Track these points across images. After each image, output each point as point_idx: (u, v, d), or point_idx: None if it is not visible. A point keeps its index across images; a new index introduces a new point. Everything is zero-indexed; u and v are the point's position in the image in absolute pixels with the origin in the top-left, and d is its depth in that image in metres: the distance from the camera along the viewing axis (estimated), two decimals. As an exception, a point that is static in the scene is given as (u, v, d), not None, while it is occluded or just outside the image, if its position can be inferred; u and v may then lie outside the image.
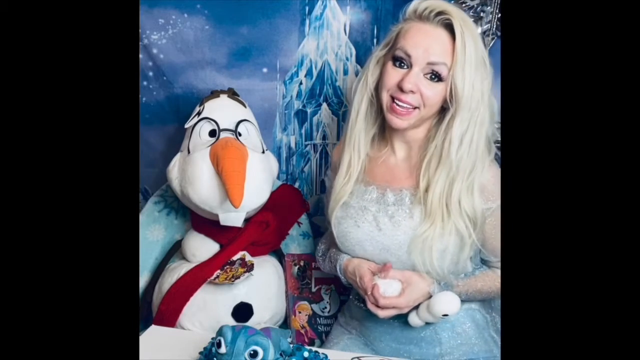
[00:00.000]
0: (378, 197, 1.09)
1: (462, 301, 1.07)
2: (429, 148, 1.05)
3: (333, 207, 1.13)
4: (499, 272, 1.10)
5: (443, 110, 1.04)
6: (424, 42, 1.00)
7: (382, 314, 1.03)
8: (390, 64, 1.03)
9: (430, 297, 1.03)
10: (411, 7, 1.03)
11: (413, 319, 1.05)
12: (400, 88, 1.01)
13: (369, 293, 1.03)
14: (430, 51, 0.99)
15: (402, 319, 1.08)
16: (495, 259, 1.09)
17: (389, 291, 1.02)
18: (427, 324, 1.06)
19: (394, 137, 1.10)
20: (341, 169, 1.12)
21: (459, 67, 0.98)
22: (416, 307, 1.05)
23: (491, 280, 1.09)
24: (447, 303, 1.01)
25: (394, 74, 1.02)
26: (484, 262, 1.12)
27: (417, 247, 1.02)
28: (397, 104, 1.01)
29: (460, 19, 0.99)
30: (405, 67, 1.01)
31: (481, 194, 1.03)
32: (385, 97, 1.04)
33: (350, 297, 1.22)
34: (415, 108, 1.02)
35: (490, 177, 1.03)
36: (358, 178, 1.12)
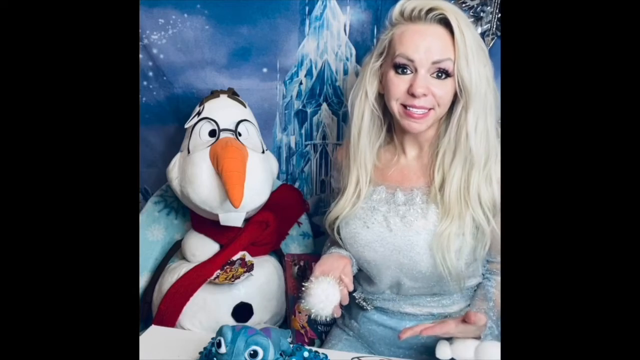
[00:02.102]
0: (387, 197, 1.07)
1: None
2: (441, 143, 1.04)
3: (333, 216, 1.11)
4: (497, 278, 1.09)
5: (452, 105, 1.03)
6: (423, 43, 0.98)
7: (402, 335, 0.96)
8: (392, 73, 1.01)
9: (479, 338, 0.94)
10: (396, 10, 1.01)
11: (444, 351, 0.94)
12: (411, 94, 0.99)
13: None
14: (432, 50, 0.98)
15: (401, 325, 1.07)
16: (498, 259, 1.08)
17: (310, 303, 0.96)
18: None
19: (405, 140, 1.09)
20: (349, 188, 1.10)
21: (462, 58, 0.97)
22: (448, 340, 0.96)
23: (499, 291, 1.06)
24: (497, 353, 0.88)
25: (399, 82, 1.00)
26: (489, 264, 1.10)
27: (438, 247, 1.00)
28: (412, 110, 1.00)
29: (452, 11, 0.98)
30: (409, 72, 1.00)
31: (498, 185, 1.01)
32: (395, 107, 1.02)
33: (353, 294, 1.21)
34: (430, 109, 1.00)
35: (499, 172, 1.02)
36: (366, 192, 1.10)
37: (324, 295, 0.95)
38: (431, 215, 1.03)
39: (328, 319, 0.97)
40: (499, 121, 1.05)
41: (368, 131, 1.09)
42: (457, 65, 0.98)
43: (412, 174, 1.09)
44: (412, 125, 1.02)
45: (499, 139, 1.03)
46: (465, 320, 0.92)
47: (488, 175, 1.01)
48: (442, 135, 1.05)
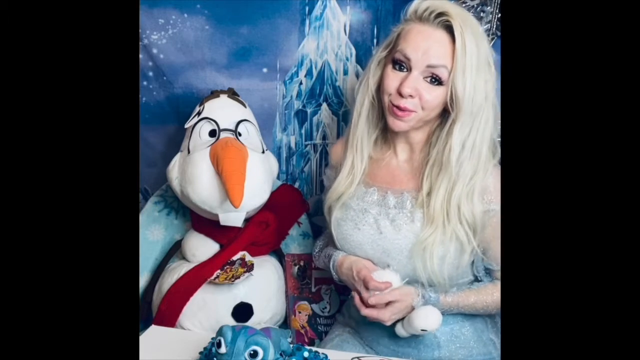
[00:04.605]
0: (379, 199, 1.08)
1: (455, 314, 1.07)
2: (431, 153, 1.04)
3: (330, 201, 1.12)
4: (499, 284, 1.08)
5: (445, 112, 1.03)
6: (423, 45, 0.98)
7: (364, 311, 1.02)
8: (389, 67, 1.02)
9: (413, 309, 1.02)
10: (412, 6, 1.01)
11: (399, 330, 1.05)
12: (399, 93, 0.99)
13: (362, 276, 1.03)
14: (429, 54, 0.97)
15: (397, 324, 1.07)
16: (497, 267, 1.08)
17: (384, 278, 1.02)
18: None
19: (396, 139, 1.10)
20: (343, 170, 1.11)
21: (460, 70, 0.96)
22: (401, 319, 1.05)
23: (487, 294, 1.07)
24: (425, 318, 1.01)
25: (393, 77, 1.01)
26: (488, 271, 1.10)
27: (418, 253, 1.02)
28: (397, 107, 1.00)
29: (461, 20, 0.97)
30: (404, 70, 1.00)
31: (482, 197, 1.02)
32: (385, 100, 1.03)
33: (350, 296, 1.22)
34: (413, 111, 1.01)
35: (492, 179, 1.02)
36: (360, 179, 1.11)
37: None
38: (419, 219, 1.04)
39: None
40: (499, 135, 1.05)
41: (367, 118, 1.09)
42: (452, 75, 0.97)
43: (403, 176, 1.09)
44: (395, 122, 1.02)
45: (495, 155, 1.04)
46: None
47: (470, 191, 1.01)
48: (432, 145, 1.05)
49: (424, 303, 1.03)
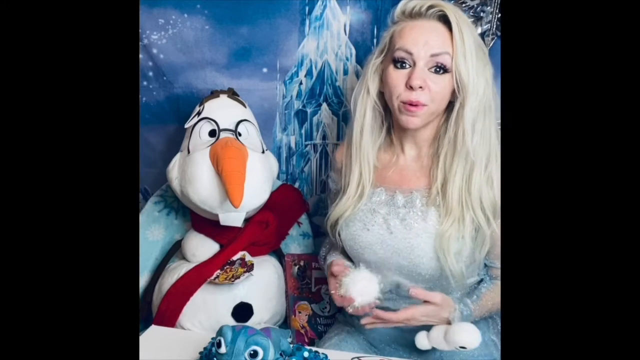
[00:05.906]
0: (387, 199, 1.08)
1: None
2: (442, 143, 1.04)
3: (335, 216, 1.11)
4: (498, 283, 1.09)
5: (450, 105, 1.03)
6: (422, 37, 0.99)
7: (362, 320, 1.02)
8: (391, 67, 1.02)
9: (449, 323, 0.99)
10: (398, 9, 1.03)
11: (422, 340, 1.00)
12: (409, 87, 0.99)
13: (333, 292, 1.02)
14: (430, 43, 0.99)
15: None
16: (499, 265, 1.08)
17: (351, 291, 0.96)
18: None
19: (404, 139, 1.09)
20: (351, 184, 1.10)
21: (460, 55, 0.98)
22: (427, 328, 1.00)
23: (497, 294, 1.07)
24: (467, 335, 0.95)
25: (397, 76, 1.01)
26: (487, 269, 1.11)
27: (441, 247, 1.01)
28: (409, 104, 1.00)
29: (452, 9, 1.00)
30: (407, 66, 1.00)
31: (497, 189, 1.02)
32: (395, 103, 1.02)
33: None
34: (426, 105, 1.00)
35: (499, 175, 1.02)
36: (368, 192, 1.10)
37: (367, 287, 0.97)
38: (431, 218, 1.03)
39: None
40: (499, 123, 1.05)
41: (370, 128, 1.09)
42: (455, 61, 0.98)
43: (412, 175, 1.09)
44: (409, 119, 1.02)
45: (499, 141, 1.03)
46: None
47: (489, 178, 1.01)
48: (442, 136, 1.05)
49: (460, 318, 0.99)
